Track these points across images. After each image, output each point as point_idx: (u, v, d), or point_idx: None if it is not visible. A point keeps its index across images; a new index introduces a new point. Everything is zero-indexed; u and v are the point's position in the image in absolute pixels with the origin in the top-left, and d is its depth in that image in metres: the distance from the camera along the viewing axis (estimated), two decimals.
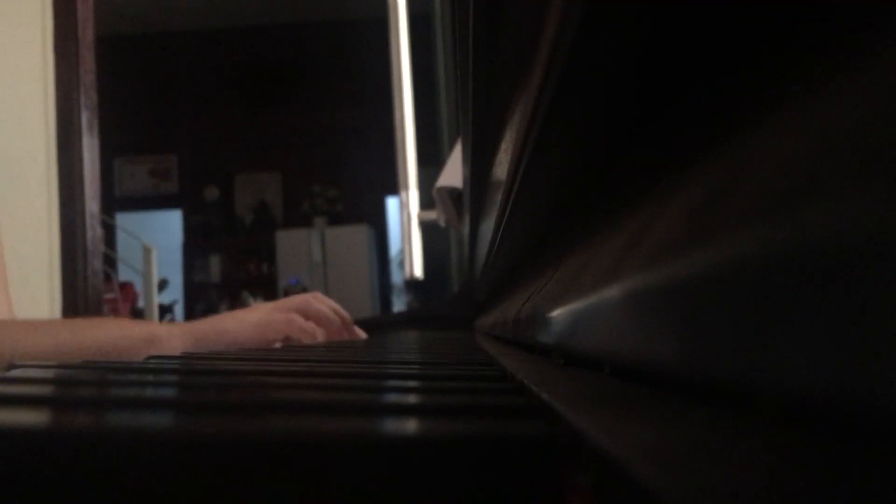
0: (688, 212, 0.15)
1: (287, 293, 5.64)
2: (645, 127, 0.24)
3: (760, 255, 0.10)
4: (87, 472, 0.13)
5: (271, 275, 5.85)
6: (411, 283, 4.39)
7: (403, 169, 1.91)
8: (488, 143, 0.41)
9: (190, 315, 5.55)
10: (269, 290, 5.60)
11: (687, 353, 0.13)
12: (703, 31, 0.18)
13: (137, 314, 3.92)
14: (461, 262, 2.50)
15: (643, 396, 0.16)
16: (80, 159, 2.05)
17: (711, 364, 0.12)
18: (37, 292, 1.91)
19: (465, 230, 1.02)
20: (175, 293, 5.70)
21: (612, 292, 0.19)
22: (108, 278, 3.12)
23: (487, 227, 0.65)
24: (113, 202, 5.75)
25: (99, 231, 2.14)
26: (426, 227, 1.90)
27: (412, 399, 0.22)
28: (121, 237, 5.12)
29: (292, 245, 5.76)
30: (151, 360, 0.37)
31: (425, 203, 1.87)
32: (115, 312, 3.25)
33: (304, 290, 5.55)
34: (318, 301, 0.92)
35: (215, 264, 6.03)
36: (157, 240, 4.11)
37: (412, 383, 0.29)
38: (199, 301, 5.85)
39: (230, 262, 6.02)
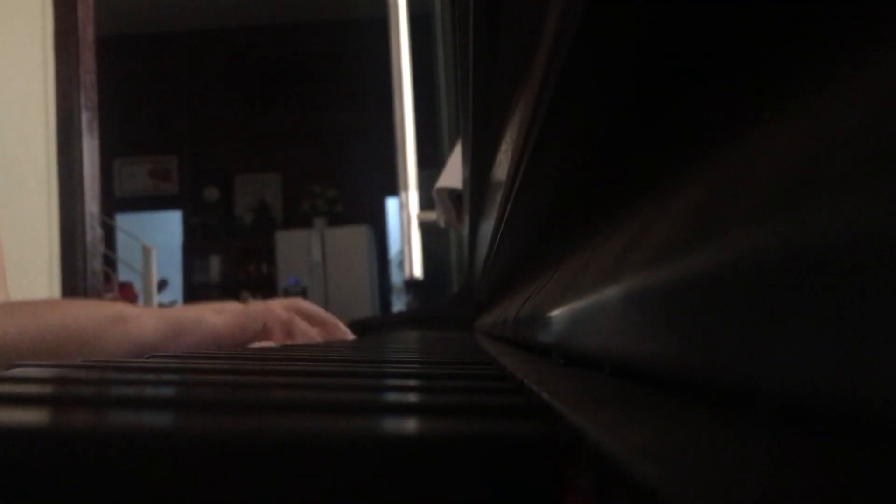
0: (688, 212, 0.15)
1: (287, 293, 5.64)
2: (645, 127, 0.24)
3: (760, 254, 0.10)
4: (87, 472, 0.13)
5: (271, 275, 5.85)
6: (411, 284, 4.39)
7: (403, 169, 1.91)
8: (488, 143, 0.41)
9: None
10: (268, 290, 5.60)
11: (687, 353, 0.13)
12: (702, 31, 0.18)
13: None
14: (461, 263, 2.50)
15: (643, 396, 0.16)
16: (80, 159, 2.05)
17: (711, 364, 0.12)
18: (36, 292, 1.91)
19: (465, 231, 1.02)
20: (175, 293, 5.70)
21: (611, 292, 0.19)
22: (107, 279, 3.12)
23: (487, 227, 0.65)
24: (113, 203, 5.75)
25: (99, 232, 2.14)
26: (426, 227, 1.90)
27: (411, 398, 0.22)
28: (121, 238, 5.12)
29: (292, 245, 5.76)
30: (151, 360, 0.37)
31: (425, 203, 1.87)
32: None
33: (304, 290, 5.56)
34: (302, 302, 0.89)
35: (215, 265, 6.03)
36: (156, 240, 4.12)
37: (411, 383, 0.29)
38: (199, 301, 5.85)
39: (230, 263, 6.02)
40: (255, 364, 0.38)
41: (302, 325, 0.85)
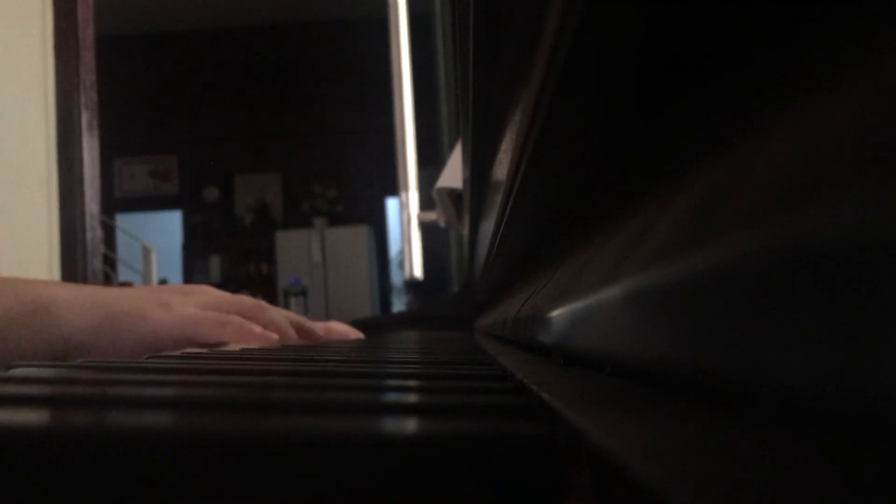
0: (688, 212, 0.15)
1: (287, 293, 5.64)
2: (645, 127, 0.24)
3: (760, 254, 0.10)
4: (87, 472, 0.13)
5: (271, 275, 5.85)
6: (411, 284, 4.39)
7: (403, 169, 1.91)
8: (488, 143, 0.41)
9: None
10: (268, 290, 5.60)
11: (687, 353, 0.13)
12: (702, 31, 0.18)
13: None
14: (461, 263, 2.50)
15: (643, 396, 0.16)
16: (80, 160, 2.05)
17: (711, 364, 0.12)
18: None
19: (465, 231, 1.02)
20: None
21: (611, 292, 0.19)
22: (107, 279, 3.12)
23: (487, 227, 0.65)
24: (113, 203, 5.75)
25: (99, 232, 2.14)
26: (426, 227, 1.90)
27: (412, 398, 0.22)
28: (121, 238, 5.12)
29: (292, 245, 5.76)
30: (151, 360, 0.37)
31: (425, 204, 1.87)
32: None
33: (304, 290, 5.56)
34: (269, 309, 0.74)
35: (215, 265, 6.04)
36: (156, 240, 4.12)
37: (412, 383, 0.29)
38: None
39: (230, 263, 6.02)
40: (255, 364, 0.38)
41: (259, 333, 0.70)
